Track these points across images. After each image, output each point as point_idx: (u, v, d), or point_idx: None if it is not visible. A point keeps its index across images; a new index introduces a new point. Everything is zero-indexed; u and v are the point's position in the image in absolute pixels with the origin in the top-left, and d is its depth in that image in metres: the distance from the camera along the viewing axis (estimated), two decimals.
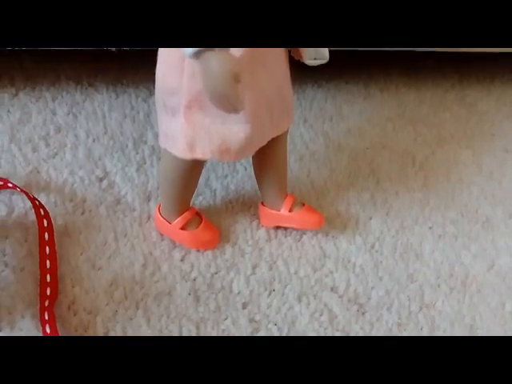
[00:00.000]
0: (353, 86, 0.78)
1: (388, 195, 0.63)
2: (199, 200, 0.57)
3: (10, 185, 0.53)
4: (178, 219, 0.50)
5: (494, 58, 0.82)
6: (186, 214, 0.51)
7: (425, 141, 0.72)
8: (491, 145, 0.74)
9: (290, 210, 0.53)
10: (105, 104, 0.67)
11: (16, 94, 0.67)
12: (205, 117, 0.38)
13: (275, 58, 0.40)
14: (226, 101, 0.31)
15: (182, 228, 0.50)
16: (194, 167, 0.45)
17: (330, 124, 0.71)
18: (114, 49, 0.64)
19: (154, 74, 0.42)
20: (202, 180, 0.54)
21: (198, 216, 0.52)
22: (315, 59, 0.42)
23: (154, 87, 0.69)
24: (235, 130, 0.39)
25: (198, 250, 0.52)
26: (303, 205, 0.54)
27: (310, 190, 0.62)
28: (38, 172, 0.57)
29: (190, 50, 0.30)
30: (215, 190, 0.59)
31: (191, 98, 0.37)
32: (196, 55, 0.30)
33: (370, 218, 0.60)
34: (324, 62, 0.42)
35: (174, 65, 0.36)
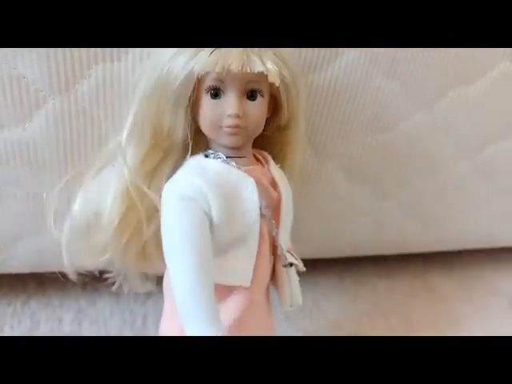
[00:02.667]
0: (328, 279, 0.88)
1: None
2: None
3: None
4: None
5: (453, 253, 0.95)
6: None
7: (396, 334, 0.79)
8: (457, 334, 0.81)
9: None
10: (106, 310, 0.75)
11: (27, 302, 0.74)
12: None
13: (263, 320, 0.49)
14: None
15: None
16: None
17: (309, 320, 0.79)
18: None
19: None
20: None
21: None
22: (291, 306, 0.51)
23: (151, 291, 0.79)
24: None
25: None
26: None
27: None
28: None
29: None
30: None
31: None
32: None
33: None
34: (298, 308, 0.52)
35: (175, 333, 0.45)
